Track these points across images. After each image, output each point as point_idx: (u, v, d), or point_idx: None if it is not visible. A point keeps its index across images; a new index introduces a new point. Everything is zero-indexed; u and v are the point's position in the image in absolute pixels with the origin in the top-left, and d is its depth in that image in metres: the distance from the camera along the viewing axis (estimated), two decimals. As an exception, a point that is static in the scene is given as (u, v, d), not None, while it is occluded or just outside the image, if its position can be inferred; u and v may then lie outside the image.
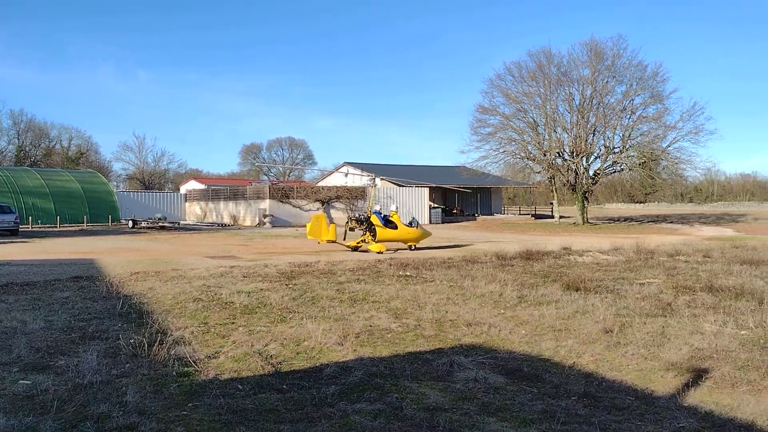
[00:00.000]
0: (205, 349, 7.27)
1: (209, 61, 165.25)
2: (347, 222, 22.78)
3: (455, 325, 8.87)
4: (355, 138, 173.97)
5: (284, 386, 5.88)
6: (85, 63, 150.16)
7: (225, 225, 42.43)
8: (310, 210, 42.60)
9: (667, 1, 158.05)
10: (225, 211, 46.05)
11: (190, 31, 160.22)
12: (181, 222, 44.04)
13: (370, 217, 21.68)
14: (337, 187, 45.44)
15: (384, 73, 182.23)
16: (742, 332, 8.29)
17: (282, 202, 41.89)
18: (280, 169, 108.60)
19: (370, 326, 8.67)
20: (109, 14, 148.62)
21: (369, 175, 51.08)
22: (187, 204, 50.37)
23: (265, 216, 40.50)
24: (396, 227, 21.68)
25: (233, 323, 8.83)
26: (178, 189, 75.40)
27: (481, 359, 6.97)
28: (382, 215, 21.93)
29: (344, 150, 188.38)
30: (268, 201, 41.37)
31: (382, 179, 50.24)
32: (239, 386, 5.84)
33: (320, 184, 55.34)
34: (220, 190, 50.11)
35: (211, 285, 12.43)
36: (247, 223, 42.97)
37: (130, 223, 37.57)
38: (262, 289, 11.90)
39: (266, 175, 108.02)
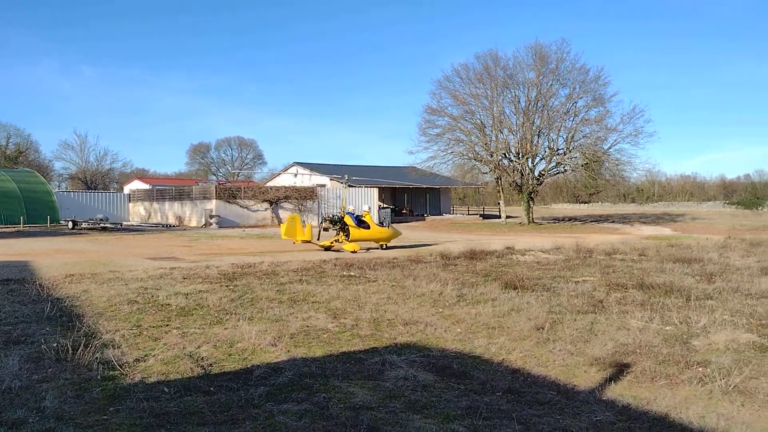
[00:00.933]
0: (134, 352, 7.13)
1: (156, 58, 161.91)
2: (321, 222, 23.10)
3: (392, 324, 8.94)
4: (306, 138, 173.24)
5: (212, 388, 5.83)
6: (27, 58, 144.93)
7: (170, 226, 41.60)
8: (258, 210, 42.19)
9: (609, 6, 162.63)
10: (170, 211, 45.17)
11: (137, 28, 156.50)
12: (124, 223, 42.94)
13: (344, 218, 22.10)
14: (285, 187, 45.12)
15: (335, 73, 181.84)
16: (667, 328, 8.62)
17: (229, 202, 41.31)
18: (230, 171, 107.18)
19: (307, 327, 8.66)
20: (52, 7, 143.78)
21: (319, 175, 51.25)
22: (131, 204, 49.17)
23: (211, 216, 39.89)
24: (369, 227, 22.31)
25: (167, 325, 8.68)
26: (122, 189, 73.60)
27: (413, 358, 7.06)
28: (355, 215, 22.45)
29: (294, 150, 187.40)
30: (214, 201, 40.74)
31: (331, 179, 50.16)
32: (165, 389, 5.76)
33: (269, 184, 54.85)
34: (165, 190, 49.08)
35: (148, 287, 12.18)
36: (193, 223, 42.24)
37: (70, 224, 36.38)
38: (200, 291, 11.73)
39: (215, 175, 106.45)
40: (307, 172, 53.33)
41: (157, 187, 54.06)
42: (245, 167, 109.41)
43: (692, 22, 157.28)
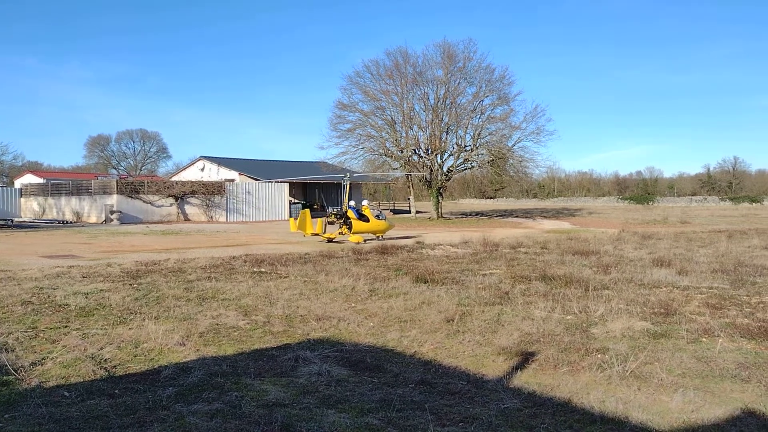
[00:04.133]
0: (30, 356, 6.71)
1: (50, 46, 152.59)
2: (327, 216, 25.30)
3: (305, 320, 8.89)
4: (214, 132, 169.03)
5: (116, 391, 5.59)
6: None
7: (67, 222, 39.44)
8: (162, 206, 40.71)
9: (513, 9, 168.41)
10: (67, 207, 42.80)
11: (29, 13, 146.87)
12: (16, 219, 40.35)
13: (346, 212, 24.00)
14: (192, 182, 43.74)
15: (244, 66, 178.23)
16: (568, 317, 9.05)
17: (131, 197, 39.60)
18: (132, 163, 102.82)
19: (217, 325, 8.46)
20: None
21: (227, 170, 50.06)
22: (22, 200, 46.23)
23: (112, 212, 38.11)
24: (368, 220, 23.87)
25: (66, 327, 8.23)
26: (13, 183, 69.00)
27: (327, 353, 7.05)
28: (356, 210, 24.01)
29: (201, 144, 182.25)
30: (115, 196, 38.93)
31: (240, 174, 49.15)
32: (65, 393, 5.47)
33: (174, 178, 53.03)
34: (61, 184, 46.42)
35: (44, 287, 11.50)
36: (93, 220, 40.23)
37: (-46, 221, 33.82)
38: (102, 290, 11.20)
39: (115, 168, 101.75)
40: (214, 166, 51.96)
41: (53, 182, 51.14)
42: (148, 161, 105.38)
43: (588, 30, 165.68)
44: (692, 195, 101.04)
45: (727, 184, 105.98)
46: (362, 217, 23.80)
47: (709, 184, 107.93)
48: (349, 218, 23.77)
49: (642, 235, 25.85)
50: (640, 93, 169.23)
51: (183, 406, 5.18)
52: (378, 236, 24.53)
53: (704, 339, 7.73)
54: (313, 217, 24.95)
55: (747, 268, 14.24)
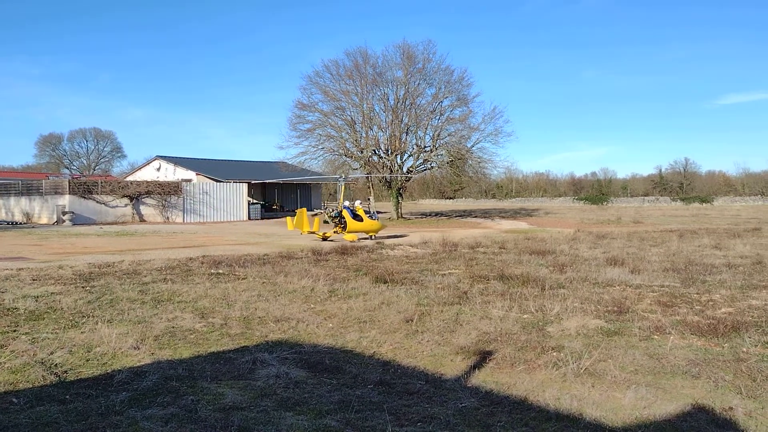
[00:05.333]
0: (-25, 363, 6.48)
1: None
2: (324, 215, 26.45)
3: (263, 322, 8.80)
4: (171, 131, 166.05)
5: (67, 397, 5.44)
6: None
7: (16, 223, 38.23)
8: (117, 206, 39.80)
9: (471, 11, 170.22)
10: (16, 207, 41.50)
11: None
12: (-39, 220, 38.94)
13: (341, 212, 24.84)
14: (148, 182, 42.87)
15: (203, 66, 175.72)
16: (525, 316, 9.18)
17: (84, 197, 38.59)
18: (85, 164, 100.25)
19: (173, 327, 8.31)
20: None
21: (184, 169, 49.24)
22: (-31, 200, 44.62)
23: (64, 213, 37.08)
24: (362, 220, 24.85)
25: (15, 331, 7.97)
26: (-41, 183, 66.54)
27: (285, 355, 6.99)
28: (351, 210, 25.01)
29: (159, 143, 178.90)
30: (68, 197, 37.88)
31: (197, 174, 48.40)
32: (14, 400, 5.30)
33: (129, 178, 51.91)
34: (10, 184, 44.97)
35: (-9, 290, 11.12)
36: (44, 221, 39.08)
37: None
38: (53, 293, 10.88)
39: (68, 168, 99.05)
40: (171, 166, 51.04)
41: (1, 181, 49.45)
42: (102, 160, 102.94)
43: (544, 34, 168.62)
44: (645, 195, 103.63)
45: (678, 184, 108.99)
46: (356, 217, 24.78)
47: (661, 185, 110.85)
48: (344, 218, 24.66)
49: (596, 234, 26.39)
50: (595, 96, 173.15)
51: (137, 411, 5.07)
52: (371, 235, 25.31)
53: (656, 336, 7.93)
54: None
55: (697, 267, 14.67)
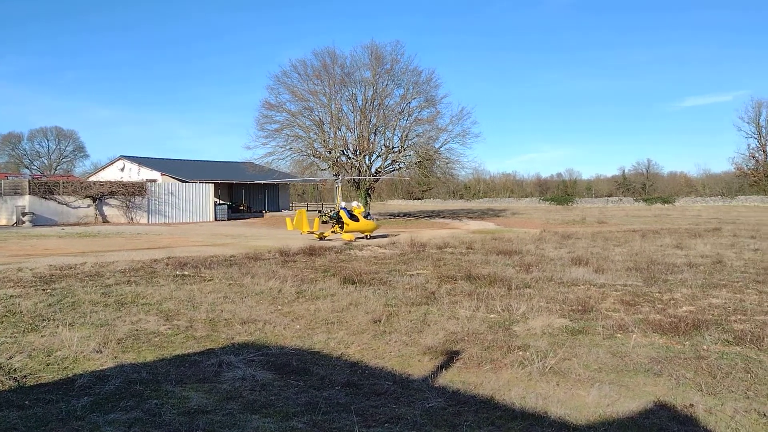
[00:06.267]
0: (-71, 369, 6.28)
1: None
2: (322, 216, 27.60)
3: (230, 324, 8.71)
4: (137, 131, 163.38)
5: (27, 402, 5.30)
6: None
7: (-26, 224, 37.18)
8: (79, 207, 39.00)
9: (437, 15, 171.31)
10: (-26, 208, 40.35)
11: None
12: None
13: (339, 213, 25.78)
14: (111, 182, 42.07)
15: (170, 65, 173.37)
16: (491, 316, 9.25)
17: (45, 198, 37.71)
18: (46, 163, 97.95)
19: (137, 330, 8.17)
20: None
21: (148, 169, 48.47)
22: None
23: (24, 214, 36.17)
24: (358, 220, 25.70)
25: (-29, 336, 7.75)
26: None
27: (251, 357, 6.92)
28: (348, 210, 25.86)
29: (121, 143, 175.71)
30: (28, 197, 36.97)
31: (163, 175, 47.69)
32: (-31, 407, 5.14)
33: (92, 178, 50.86)
34: (-33, 184, 43.70)
35: (-54, 294, 10.79)
36: (2, 222, 38.07)
37: None
38: (12, 296, 10.61)
39: (28, 168, 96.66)
40: (135, 166, 50.17)
41: (-43, 181, 47.99)
42: (64, 160, 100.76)
43: (512, 37, 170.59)
44: (609, 196, 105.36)
45: (641, 185, 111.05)
46: (353, 217, 25.66)
47: (624, 186, 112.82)
48: (341, 218, 25.59)
49: (562, 234, 26.76)
50: (560, 98, 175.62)
51: (99, 416, 4.97)
52: (366, 235, 26.28)
53: (619, 335, 8.06)
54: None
55: (659, 266, 14.97)
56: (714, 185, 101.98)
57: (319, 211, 56.32)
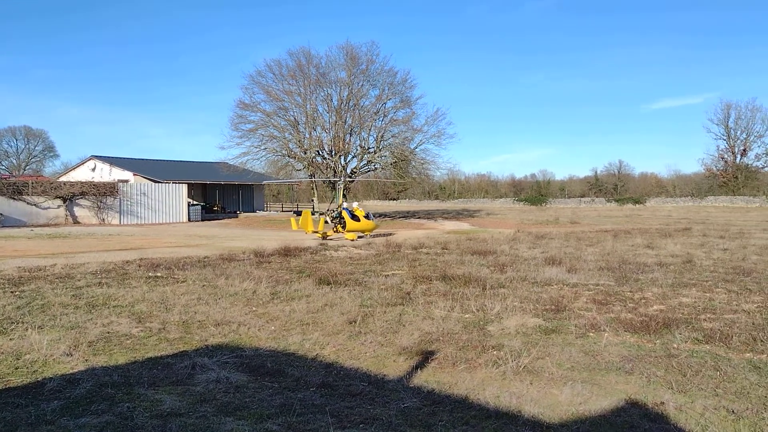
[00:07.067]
0: None
1: None
2: (326, 215, 28.09)
3: (203, 325, 8.63)
4: (109, 130, 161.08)
5: (-6, 407, 5.19)
6: None
7: (-61, 226, 36.30)
8: (49, 208, 38.30)
9: (413, 15, 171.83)
10: (-61, 209, 39.36)
11: None
12: None
13: (341, 213, 26.57)
14: (82, 182, 41.36)
15: (144, 65, 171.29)
16: (466, 316, 9.30)
17: (14, 198, 36.93)
18: (15, 163, 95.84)
19: (108, 333, 8.05)
20: None
21: (120, 170, 47.79)
22: None
23: (-8, 215, 35.44)
24: (359, 220, 26.60)
25: (-64, 340, 7.57)
26: None
27: (225, 359, 6.87)
28: (350, 211, 26.73)
29: (95, 143, 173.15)
30: (-5, 198, 36.21)
31: (135, 175, 47.07)
32: (-66, 413, 5.02)
33: (62, 179, 49.98)
34: (-68, 184, 42.62)
35: None
36: (-30, 223, 37.21)
37: None
38: (-21, 299, 10.38)
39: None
40: (106, 166, 49.42)
41: None
42: (33, 160, 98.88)
43: (487, 39, 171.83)
44: (581, 196, 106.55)
45: (612, 186, 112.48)
46: (354, 217, 26.56)
47: (596, 186, 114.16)
48: (343, 218, 26.44)
49: (536, 235, 27.00)
50: (534, 99, 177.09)
51: (69, 420, 4.89)
52: (366, 234, 27.14)
53: (591, 333, 8.17)
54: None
55: (630, 266, 15.18)
56: (684, 186, 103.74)
57: (296, 212, 56.11)
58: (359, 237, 26.42)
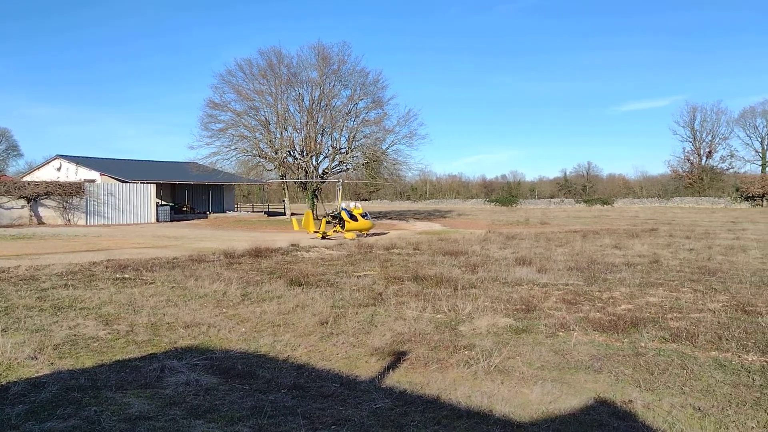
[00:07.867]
0: None
1: None
2: (325, 216, 28.85)
3: (172, 328, 8.51)
4: (77, 130, 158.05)
5: (-45, 413, 5.05)
6: None
7: None
8: (12, 208, 37.43)
9: (385, 16, 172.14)
10: None
11: None
12: None
13: (340, 213, 27.23)
14: (47, 182, 40.51)
15: (112, 65, 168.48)
16: (438, 316, 9.34)
17: (-24, 199, 36.05)
18: None
19: (74, 335, 7.90)
20: None
21: (86, 169, 46.94)
22: None
23: (-47, 215, 34.52)
24: (357, 219, 27.32)
25: None
26: None
27: (195, 361, 6.79)
28: (348, 211, 27.33)
29: (62, 142, 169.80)
30: (-43, 198, 35.28)
31: (102, 175, 46.27)
32: None
33: (27, 178, 48.89)
34: None
35: None
36: (-71, 223, 36.24)
37: None
38: (-61, 302, 10.10)
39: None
40: (72, 166, 48.47)
41: None
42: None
43: (458, 41, 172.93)
44: (551, 197, 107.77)
45: (581, 187, 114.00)
46: (353, 217, 27.24)
47: (565, 187, 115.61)
48: (342, 219, 27.14)
49: (506, 235, 27.22)
50: (505, 101, 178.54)
51: (34, 425, 4.78)
52: (364, 233, 28.09)
53: (561, 333, 8.26)
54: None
55: (599, 266, 15.41)
56: (651, 187, 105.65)
57: (266, 212, 55.70)
58: (358, 236, 27.12)
